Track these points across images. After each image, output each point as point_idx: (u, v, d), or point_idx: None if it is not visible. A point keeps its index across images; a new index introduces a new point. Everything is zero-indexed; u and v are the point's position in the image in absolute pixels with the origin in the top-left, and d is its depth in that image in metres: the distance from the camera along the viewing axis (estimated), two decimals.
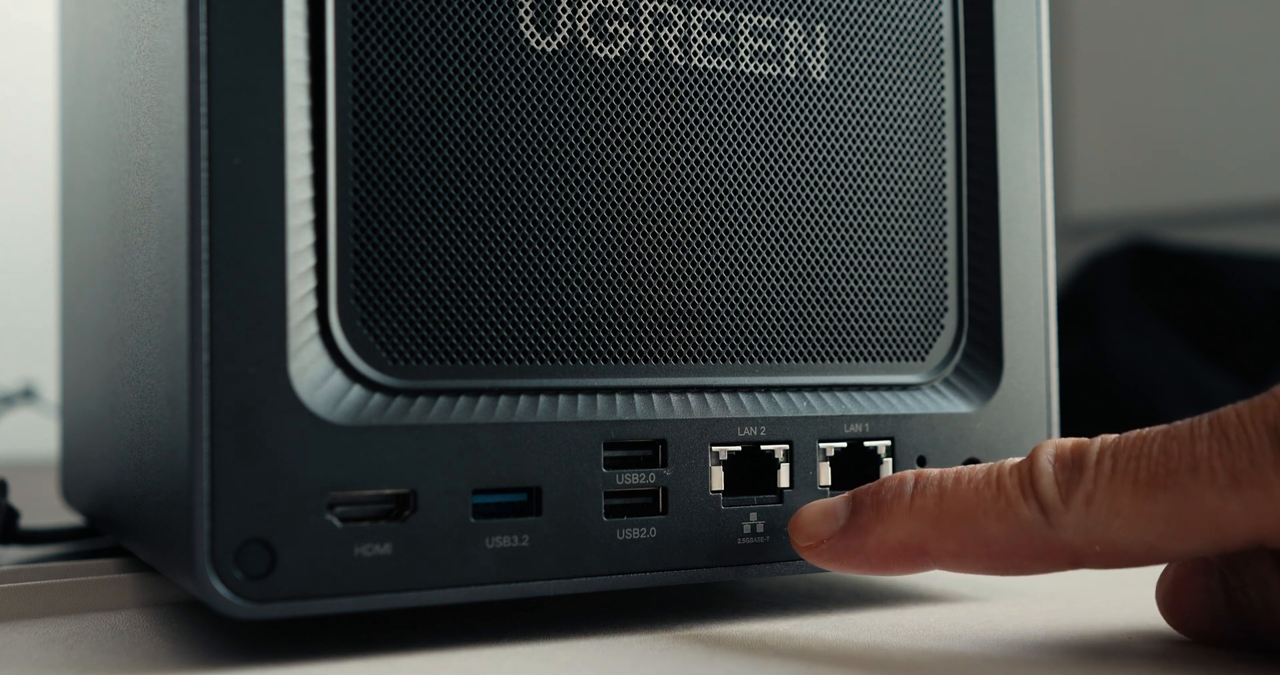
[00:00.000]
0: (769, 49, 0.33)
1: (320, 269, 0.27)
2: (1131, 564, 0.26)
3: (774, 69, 0.33)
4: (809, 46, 0.33)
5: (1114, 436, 0.26)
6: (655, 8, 0.31)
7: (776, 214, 0.33)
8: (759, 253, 0.32)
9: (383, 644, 0.29)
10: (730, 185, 0.32)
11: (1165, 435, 0.25)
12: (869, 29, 0.34)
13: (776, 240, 0.33)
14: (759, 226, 0.32)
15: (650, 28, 0.31)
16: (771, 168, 0.33)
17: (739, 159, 0.32)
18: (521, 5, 0.30)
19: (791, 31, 0.33)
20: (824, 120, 0.33)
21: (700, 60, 0.32)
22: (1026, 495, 0.26)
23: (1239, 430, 0.24)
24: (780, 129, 0.33)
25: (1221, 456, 0.24)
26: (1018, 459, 0.27)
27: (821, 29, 0.34)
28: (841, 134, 0.34)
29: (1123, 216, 1.26)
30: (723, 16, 0.32)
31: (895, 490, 0.28)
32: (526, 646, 0.29)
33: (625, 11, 0.31)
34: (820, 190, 0.33)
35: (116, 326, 0.34)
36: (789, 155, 0.33)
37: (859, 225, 0.34)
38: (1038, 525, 0.26)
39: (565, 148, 0.30)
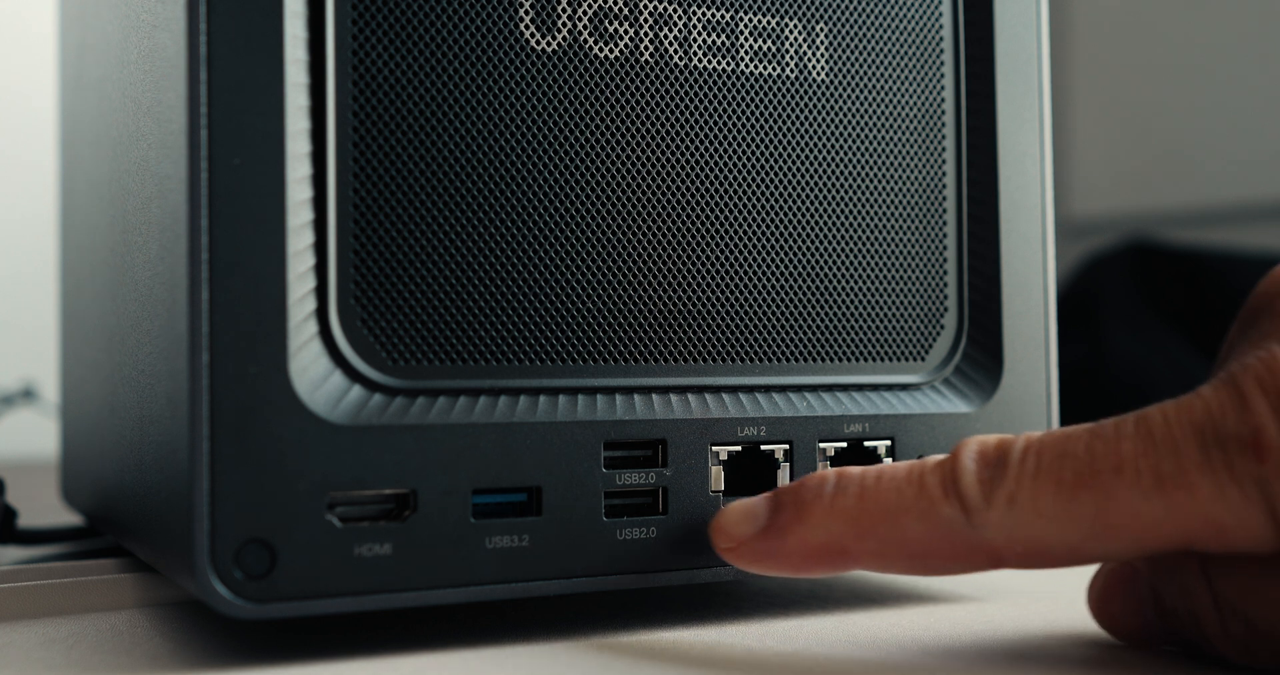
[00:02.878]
0: (769, 49, 0.33)
1: (320, 269, 0.27)
2: (1055, 565, 0.25)
3: (774, 69, 0.33)
4: (809, 46, 0.33)
5: (1039, 434, 0.25)
6: (655, 8, 0.31)
7: (776, 214, 0.33)
8: (759, 253, 0.32)
9: (383, 644, 0.29)
10: (730, 185, 0.32)
11: (1091, 434, 0.25)
12: (869, 29, 0.34)
13: (776, 240, 0.33)
14: (759, 226, 0.32)
15: (650, 28, 0.31)
16: (771, 168, 0.33)
17: (739, 159, 0.32)
18: (521, 5, 0.30)
19: (791, 31, 0.33)
20: (824, 120, 0.33)
21: (700, 60, 0.32)
22: (948, 494, 0.26)
23: (1164, 431, 0.24)
24: (780, 129, 0.33)
25: (1146, 457, 0.23)
26: (941, 456, 0.27)
27: (821, 29, 0.34)
28: (841, 134, 0.34)
29: (1123, 216, 1.26)
30: (723, 16, 0.32)
31: (816, 489, 0.28)
32: (526, 646, 0.29)
33: (625, 11, 0.31)
34: (820, 190, 0.33)
35: (116, 326, 0.34)
36: (789, 155, 0.33)
37: (859, 225, 0.34)
38: (959, 525, 0.25)
39: (565, 148, 0.30)
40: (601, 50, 0.31)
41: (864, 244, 0.34)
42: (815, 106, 0.33)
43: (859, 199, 0.34)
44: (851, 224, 0.34)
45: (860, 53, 0.34)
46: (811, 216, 0.33)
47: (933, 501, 0.26)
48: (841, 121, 0.34)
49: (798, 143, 0.33)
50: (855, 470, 0.27)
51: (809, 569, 0.28)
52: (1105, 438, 0.24)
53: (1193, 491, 0.23)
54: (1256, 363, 0.23)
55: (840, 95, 0.34)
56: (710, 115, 0.32)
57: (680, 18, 0.32)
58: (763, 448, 0.32)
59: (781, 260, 0.33)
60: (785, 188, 0.33)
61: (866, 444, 0.33)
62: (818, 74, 0.33)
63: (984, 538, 0.25)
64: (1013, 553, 0.25)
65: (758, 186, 0.32)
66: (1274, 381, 0.23)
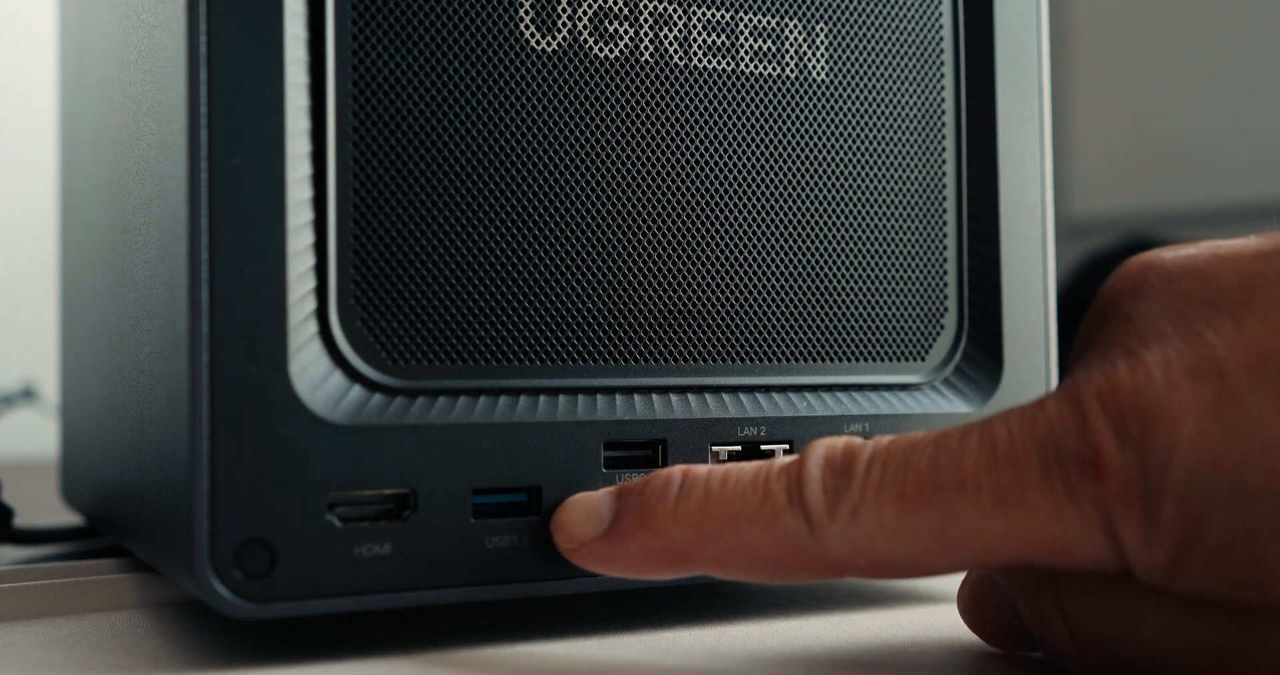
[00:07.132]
0: (769, 49, 0.33)
1: (320, 269, 0.27)
2: (897, 576, 0.25)
3: (774, 69, 0.33)
4: (809, 46, 0.33)
5: (887, 440, 0.25)
6: (655, 8, 0.31)
7: (777, 214, 0.33)
8: (759, 253, 0.32)
9: (383, 644, 0.29)
10: (730, 185, 0.32)
11: (935, 445, 0.24)
12: (869, 29, 0.34)
13: (777, 240, 0.33)
14: (759, 226, 0.32)
15: (650, 28, 0.31)
16: (771, 168, 0.33)
17: (739, 159, 0.32)
18: (521, 5, 0.30)
19: (791, 31, 0.33)
20: (824, 120, 0.33)
21: (700, 60, 0.32)
22: (793, 503, 0.25)
23: (1007, 446, 0.23)
24: (780, 129, 0.33)
25: (988, 473, 0.23)
26: (788, 459, 0.26)
27: (821, 29, 0.34)
28: (841, 134, 0.34)
29: (1123, 216, 1.26)
30: (723, 16, 0.32)
31: (660, 492, 0.27)
32: (526, 646, 0.29)
33: (625, 11, 0.31)
34: (820, 190, 0.33)
35: (116, 326, 0.34)
36: (789, 155, 0.33)
37: (859, 225, 0.34)
38: (802, 536, 0.25)
39: (565, 148, 0.30)
40: (601, 50, 0.31)
41: (864, 244, 0.34)
42: (815, 106, 0.33)
43: (859, 199, 0.34)
44: (852, 224, 0.34)
45: (860, 53, 0.34)
46: (811, 217, 0.33)
47: (776, 511, 0.25)
48: (841, 121, 0.34)
49: (798, 143, 0.33)
50: (701, 470, 0.27)
51: (652, 573, 0.27)
52: (949, 450, 0.24)
53: (1033, 510, 0.23)
54: (1099, 376, 0.23)
55: (840, 95, 0.34)
56: (710, 115, 0.32)
57: (680, 18, 0.32)
58: (763, 448, 0.32)
59: (782, 260, 0.33)
60: (785, 188, 0.33)
61: None
62: (818, 74, 0.33)
63: (827, 549, 0.24)
64: (855, 565, 0.25)
65: (758, 187, 0.32)
66: (1115, 399, 0.22)
